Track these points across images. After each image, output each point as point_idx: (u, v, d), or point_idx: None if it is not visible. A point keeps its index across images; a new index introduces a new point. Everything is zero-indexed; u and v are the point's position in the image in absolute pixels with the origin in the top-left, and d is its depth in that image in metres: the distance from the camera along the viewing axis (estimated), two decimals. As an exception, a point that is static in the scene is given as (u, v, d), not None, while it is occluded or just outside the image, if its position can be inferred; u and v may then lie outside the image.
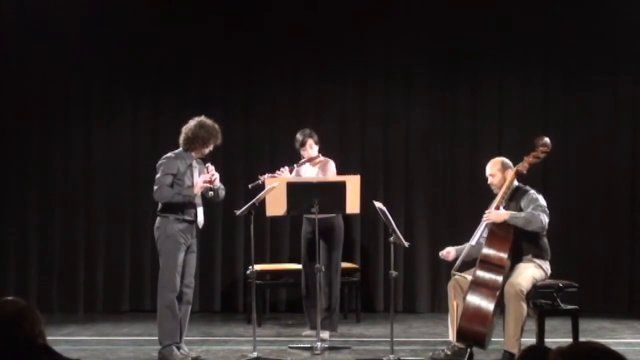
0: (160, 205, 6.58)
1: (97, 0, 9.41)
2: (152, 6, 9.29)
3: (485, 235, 6.33)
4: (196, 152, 6.63)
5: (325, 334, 7.30)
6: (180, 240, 6.50)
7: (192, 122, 6.64)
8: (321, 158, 7.67)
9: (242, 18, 9.28)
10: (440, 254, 6.70)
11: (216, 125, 6.64)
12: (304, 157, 7.65)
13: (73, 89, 9.40)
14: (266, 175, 7.34)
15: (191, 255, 6.62)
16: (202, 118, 6.65)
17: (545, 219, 6.25)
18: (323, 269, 7.23)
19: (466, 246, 6.46)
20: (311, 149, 7.63)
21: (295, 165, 7.59)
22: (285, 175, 7.41)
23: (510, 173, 6.45)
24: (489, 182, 6.58)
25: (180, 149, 6.65)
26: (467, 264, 6.43)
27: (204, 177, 6.55)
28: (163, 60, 9.31)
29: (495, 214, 6.28)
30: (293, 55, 9.30)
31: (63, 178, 9.37)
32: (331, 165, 7.66)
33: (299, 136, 7.67)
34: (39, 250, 9.31)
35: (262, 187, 7.18)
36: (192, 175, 6.58)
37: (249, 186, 7.42)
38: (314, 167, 7.68)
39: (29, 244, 9.30)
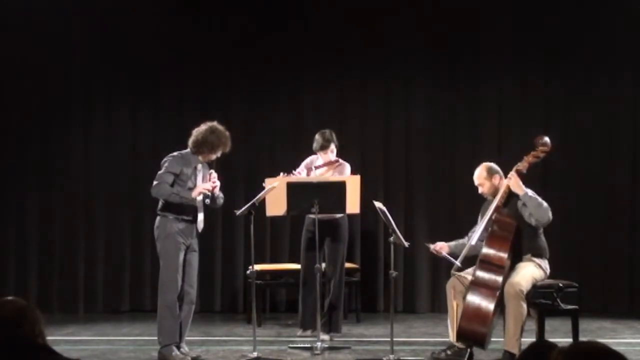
0: (160, 204, 6.57)
1: (97, 0, 9.42)
2: (152, 6, 9.29)
3: (485, 234, 6.33)
4: (203, 156, 6.61)
5: (325, 336, 7.27)
6: (180, 239, 6.49)
7: (203, 126, 6.61)
8: (339, 162, 7.58)
9: (243, 19, 9.28)
10: (432, 248, 6.66)
11: (227, 133, 6.60)
12: (321, 159, 7.52)
13: (73, 89, 9.40)
14: (281, 175, 7.23)
15: (192, 254, 6.61)
16: (214, 123, 6.62)
17: (550, 211, 6.28)
18: (323, 268, 7.22)
19: (465, 245, 6.46)
20: (332, 153, 7.50)
21: (313, 168, 7.53)
22: (302, 177, 7.36)
23: (497, 178, 6.47)
24: (479, 191, 6.59)
25: (188, 150, 6.64)
26: (466, 263, 6.42)
27: (206, 185, 6.54)
28: (163, 60, 9.30)
29: (515, 181, 6.29)
30: (293, 56, 9.30)
31: (63, 178, 9.36)
32: (347, 168, 7.55)
33: (319, 138, 7.49)
34: (39, 250, 9.30)
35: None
36: (195, 178, 6.57)
37: (265, 180, 7.32)
38: (330, 171, 7.55)
39: (29, 244, 9.29)
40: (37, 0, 9.28)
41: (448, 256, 6.49)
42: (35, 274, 9.28)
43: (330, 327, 7.50)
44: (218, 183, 6.60)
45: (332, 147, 7.51)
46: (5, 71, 9.31)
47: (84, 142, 9.39)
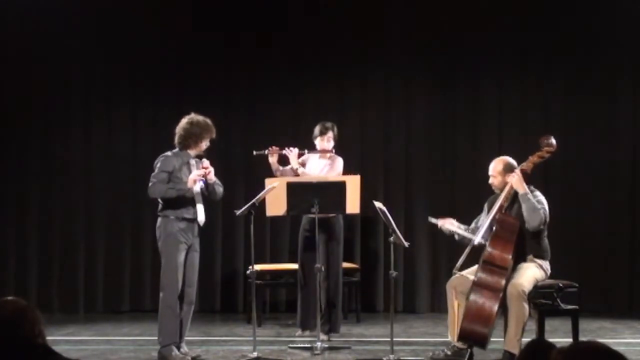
0: (160, 205, 6.58)
1: (97, 0, 9.42)
2: (152, 6, 9.29)
3: (488, 233, 6.32)
4: (192, 149, 6.62)
5: (324, 337, 7.25)
6: (181, 239, 6.49)
7: (183, 121, 6.66)
8: (333, 153, 7.60)
9: (243, 19, 9.28)
10: (439, 224, 6.68)
11: (207, 120, 6.64)
12: (318, 147, 7.56)
13: (73, 89, 9.40)
14: (273, 148, 7.41)
15: (193, 254, 6.61)
16: (192, 115, 6.67)
17: (544, 217, 6.27)
18: (323, 269, 7.21)
19: (470, 231, 6.47)
20: (328, 142, 7.54)
21: (306, 150, 7.56)
22: (293, 154, 7.44)
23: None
24: (490, 181, 6.57)
25: (177, 149, 6.64)
26: (467, 260, 6.41)
27: (198, 171, 6.54)
28: (163, 60, 9.31)
29: (518, 179, 6.28)
30: (293, 55, 9.31)
31: (63, 178, 9.36)
32: (339, 162, 7.59)
33: (319, 125, 7.57)
34: (39, 250, 9.30)
35: (265, 157, 7.39)
36: (189, 173, 6.56)
37: (254, 152, 7.41)
38: (322, 159, 7.61)
39: (29, 244, 9.29)
40: (37, 0, 9.28)
41: (457, 229, 6.50)
42: (35, 274, 9.28)
43: (330, 327, 7.50)
44: (212, 169, 6.58)
45: (330, 135, 7.54)
46: (6, 71, 9.31)
47: (84, 142, 9.39)
